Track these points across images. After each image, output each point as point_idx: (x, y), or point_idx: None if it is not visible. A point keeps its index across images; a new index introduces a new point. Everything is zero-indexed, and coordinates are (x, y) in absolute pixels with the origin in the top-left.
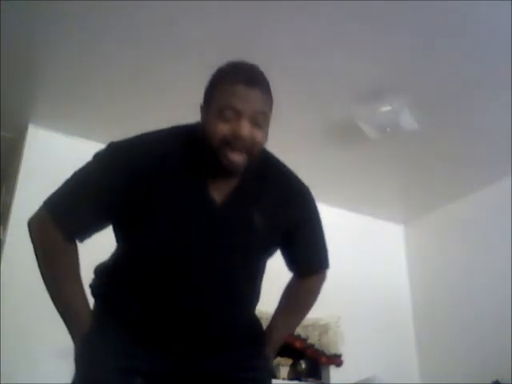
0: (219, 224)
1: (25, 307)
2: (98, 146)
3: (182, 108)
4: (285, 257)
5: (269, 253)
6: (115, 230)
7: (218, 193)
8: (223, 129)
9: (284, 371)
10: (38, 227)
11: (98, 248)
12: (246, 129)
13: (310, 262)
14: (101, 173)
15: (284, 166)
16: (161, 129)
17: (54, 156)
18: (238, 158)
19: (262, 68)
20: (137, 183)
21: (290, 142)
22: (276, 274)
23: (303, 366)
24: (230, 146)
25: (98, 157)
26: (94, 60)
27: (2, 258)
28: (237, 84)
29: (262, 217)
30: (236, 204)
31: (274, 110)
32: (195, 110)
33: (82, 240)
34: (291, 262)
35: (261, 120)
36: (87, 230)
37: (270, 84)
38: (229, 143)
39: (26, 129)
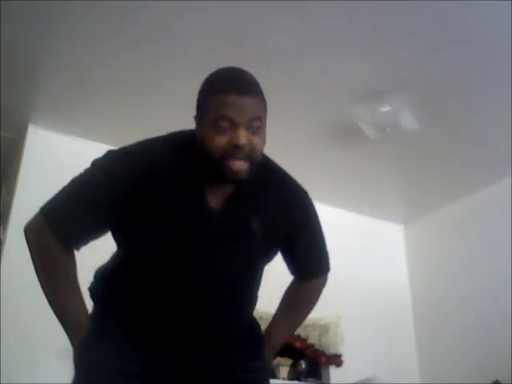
0: (218, 229)
1: (25, 307)
2: (98, 146)
3: (182, 108)
4: (286, 260)
5: (268, 257)
6: (115, 234)
7: (216, 198)
8: (221, 142)
9: (284, 371)
10: (34, 233)
11: (97, 251)
12: (243, 138)
13: (310, 265)
14: (103, 176)
15: (282, 170)
16: (159, 136)
17: (54, 156)
18: (241, 166)
19: (262, 68)
20: (139, 185)
21: (290, 141)
22: (275, 274)
23: (303, 365)
24: (232, 157)
25: (97, 162)
26: (94, 60)
27: (2, 258)
28: (229, 94)
29: (260, 221)
30: (233, 209)
31: (274, 110)
32: (194, 110)
33: (78, 247)
34: (292, 265)
35: (257, 125)
36: (84, 236)
37: (265, 85)
38: (229, 155)
39: (25, 129)
